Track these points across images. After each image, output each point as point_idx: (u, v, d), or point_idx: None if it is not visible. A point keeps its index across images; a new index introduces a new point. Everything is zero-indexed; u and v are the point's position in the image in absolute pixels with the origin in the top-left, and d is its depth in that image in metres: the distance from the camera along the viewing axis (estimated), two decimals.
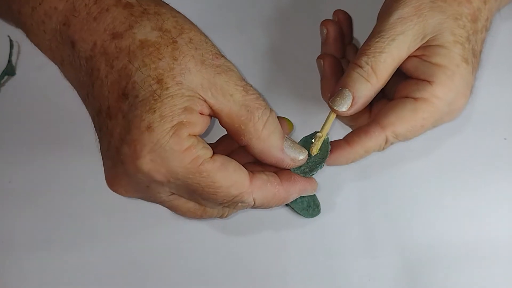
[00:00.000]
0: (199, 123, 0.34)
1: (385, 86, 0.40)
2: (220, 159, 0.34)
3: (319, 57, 0.44)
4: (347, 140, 0.40)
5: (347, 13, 0.45)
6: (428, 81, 0.38)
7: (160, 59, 0.33)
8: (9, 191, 0.45)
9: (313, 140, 0.39)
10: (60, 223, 0.44)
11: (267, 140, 0.36)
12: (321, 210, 0.43)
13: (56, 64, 0.38)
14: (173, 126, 0.33)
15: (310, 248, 0.43)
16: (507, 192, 0.44)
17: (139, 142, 0.33)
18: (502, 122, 0.45)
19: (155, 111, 0.33)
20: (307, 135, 0.40)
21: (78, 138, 0.46)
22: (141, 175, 0.34)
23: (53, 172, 0.45)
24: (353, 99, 0.38)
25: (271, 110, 0.36)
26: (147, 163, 0.33)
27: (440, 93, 0.38)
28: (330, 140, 0.40)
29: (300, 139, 0.40)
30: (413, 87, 0.39)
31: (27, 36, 0.38)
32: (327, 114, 0.40)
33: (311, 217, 0.42)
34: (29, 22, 0.37)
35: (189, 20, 0.36)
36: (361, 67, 0.38)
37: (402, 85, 0.40)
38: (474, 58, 0.39)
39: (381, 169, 0.45)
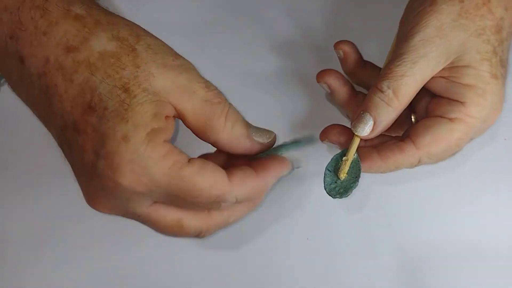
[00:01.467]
0: (169, 128, 0.34)
1: (416, 104, 0.40)
2: (197, 162, 0.34)
3: (319, 80, 0.43)
4: (380, 153, 0.39)
5: (350, 43, 0.44)
6: (460, 102, 0.38)
7: (123, 69, 0.33)
8: (9, 191, 0.45)
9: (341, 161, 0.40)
10: (60, 223, 0.44)
11: (232, 130, 0.36)
12: (321, 210, 0.43)
13: (3, 77, 0.37)
14: (147, 134, 0.32)
15: (310, 248, 0.43)
16: (507, 193, 0.44)
17: (116, 154, 0.32)
18: (502, 122, 0.45)
19: (127, 120, 0.32)
20: (337, 153, 0.40)
21: None
22: (121, 188, 0.33)
23: (53, 172, 0.45)
24: (374, 123, 0.38)
25: (229, 103, 0.36)
26: (127, 174, 0.32)
27: (474, 112, 0.37)
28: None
29: (331, 157, 0.40)
30: (446, 107, 0.38)
31: None
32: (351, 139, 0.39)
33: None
34: None
35: (142, 27, 0.36)
36: (382, 91, 0.38)
37: (435, 103, 0.39)
38: (503, 68, 0.38)
39: None
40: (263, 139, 0.37)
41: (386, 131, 0.39)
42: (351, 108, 0.42)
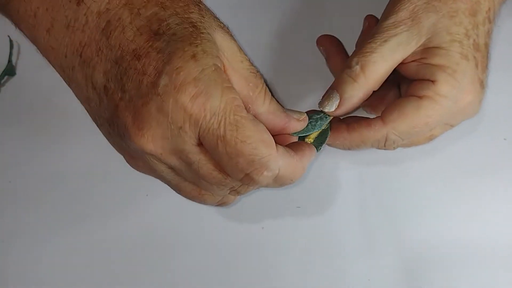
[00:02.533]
0: (227, 77, 0.34)
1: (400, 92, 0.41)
2: (251, 116, 0.34)
3: (318, 43, 0.45)
4: (348, 125, 0.40)
5: (333, 37, 0.46)
6: (431, 81, 0.38)
7: (191, 12, 0.34)
8: (9, 191, 0.45)
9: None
10: (60, 223, 0.44)
11: (271, 104, 0.37)
12: (321, 210, 0.43)
13: (35, 36, 0.36)
14: (214, 64, 0.33)
15: (310, 248, 0.43)
16: (507, 193, 0.44)
17: (183, 69, 0.32)
18: (502, 122, 0.45)
19: (197, 45, 0.32)
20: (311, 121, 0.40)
21: (78, 138, 0.46)
22: (178, 107, 0.32)
23: (53, 171, 0.45)
24: (340, 100, 0.39)
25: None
26: (189, 91, 0.31)
27: (444, 91, 0.38)
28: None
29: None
30: (417, 86, 0.39)
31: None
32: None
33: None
34: None
35: None
36: (350, 67, 0.38)
37: (409, 86, 0.40)
38: (477, 52, 0.38)
39: (381, 169, 0.45)
40: (297, 115, 0.38)
41: None
42: (337, 60, 0.44)
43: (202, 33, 0.33)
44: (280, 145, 0.36)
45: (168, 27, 0.33)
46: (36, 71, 0.48)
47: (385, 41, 0.38)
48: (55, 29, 0.35)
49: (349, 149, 0.41)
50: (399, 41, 0.38)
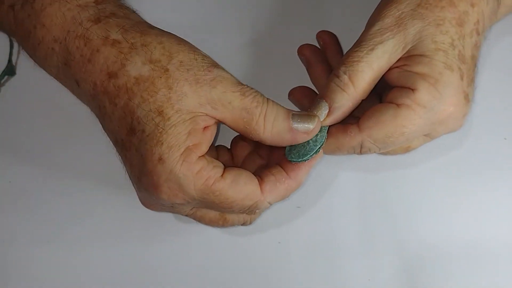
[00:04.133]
0: (205, 141, 0.36)
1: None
2: (230, 175, 0.36)
3: (299, 52, 0.45)
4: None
5: (331, 34, 0.45)
6: (411, 89, 0.37)
7: (157, 92, 0.35)
8: (9, 191, 0.45)
9: None
10: (60, 223, 0.44)
11: (273, 129, 0.37)
12: (321, 210, 0.43)
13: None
14: (181, 154, 0.35)
15: (310, 248, 0.43)
16: (507, 192, 0.44)
17: (155, 174, 0.35)
18: (502, 122, 0.45)
19: (162, 143, 0.35)
20: None
21: (78, 138, 0.46)
22: (162, 200, 0.36)
23: (53, 172, 0.45)
24: (329, 109, 0.38)
25: (267, 100, 0.37)
26: (166, 191, 0.36)
27: (423, 101, 0.37)
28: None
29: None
30: (396, 93, 0.38)
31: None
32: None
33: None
34: (33, 56, 0.40)
35: (176, 40, 0.37)
36: (338, 77, 0.38)
37: (389, 92, 0.39)
38: (463, 64, 0.37)
39: (381, 169, 0.45)
40: (306, 127, 0.37)
41: None
42: (317, 69, 0.43)
43: (168, 118, 0.35)
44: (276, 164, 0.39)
45: (138, 122, 0.35)
46: (36, 71, 0.48)
47: (372, 49, 0.37)
48: (77, 95, 0.40)
49: (325, 153, 0.41)
50: (385, 49, 0.37)
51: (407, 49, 0.37)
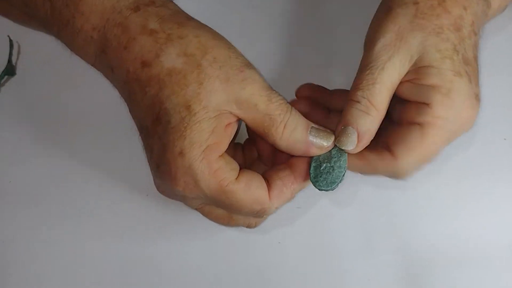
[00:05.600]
0: (226, 139, 0.37)
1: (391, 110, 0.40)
2: (244, 179, 0.37)
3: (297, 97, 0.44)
4: (361, 152, 0.39)
5: (312, 86, 0.44)
6: (426, 104, 0.37)
7: (187, 86, 0.36)
8: (9, 191, 0.45)
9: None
10: (60, 223, 0.44)
11: (290, 138, 0.37)
12: (321, 210, 0.43)
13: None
14: (202, 151, 0.36)
15: (310, 248, 0.43)
16: (507, 192, 0.44)
17: (173, 165, 0.36)
18: (502, 122, 0.45)
19: (185, 138, 0.35)
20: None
21: (78, 138, 0.46)
22: (176, 190, 0.37)
23: (53, 171, 0.45)
24: (359, 135, 0.38)
25: (291, 110, 0.37)
26: (181, 184, 0.36)
27: (441, 113, 0.37)
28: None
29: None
30: (414, 111, 0.38)
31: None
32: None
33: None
34: (70, 46, 0.40)
35: (212, 34, 0.38)
36: (358, 102, 0.38)
37: (404, 109, 0.39)
38: (468, 66, 0.38)
39: None
40: (321, 143, 0.38)
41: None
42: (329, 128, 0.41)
43: (195, 114, 0.35)
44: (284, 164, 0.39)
45: (165, 112, 0.36)
46: (36, 71, 0.48)
47: (382, 68, 0.37)
48: (111, 81, 0.40)
49: (358, 172, 0.40)
50: (394, 65, 0.37)
51: (413, 61, 0.38)
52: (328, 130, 0.39)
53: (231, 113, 0.36)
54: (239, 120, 0.38)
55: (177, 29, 0.37)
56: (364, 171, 0.40)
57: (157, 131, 0.37)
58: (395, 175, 0.39)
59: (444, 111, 0.37)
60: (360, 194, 0.44)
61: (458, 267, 0.42)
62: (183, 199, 0.39)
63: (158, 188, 0.40)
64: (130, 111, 0.39)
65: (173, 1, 0.40)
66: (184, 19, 0.38)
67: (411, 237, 0.43)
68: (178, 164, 0.36)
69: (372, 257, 0.43)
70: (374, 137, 0.40)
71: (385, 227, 0.43)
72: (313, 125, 0.38)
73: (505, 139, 0.45)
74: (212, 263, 0.43)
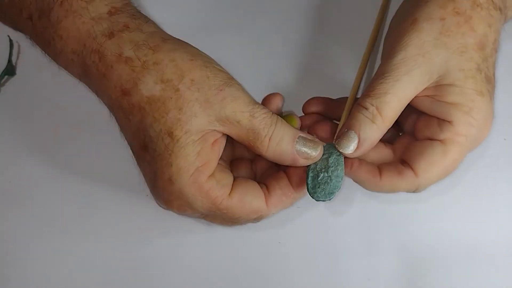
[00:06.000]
0: (214, 157, 0.37)
1: (403, 121, 0.40)
2: (237, 194, 0.38)
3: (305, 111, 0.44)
4: (380, 171, 0.40)
5: (318, 100, 0.44)
6: (448, 121, 0.37)
7: (167, 113, 0.36)
8: (9, 191, 0.45)
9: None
10: (60, 223, 0.44)
11: (276, 150, 0.38)
12: (321, 210, 0.43)
13: None
14: (191, 176, 0.36)
15: (310, 248, 0.43)
16: (507, 192, 0.44)
17: (165, 191, 0.37)
18: (502, 122, 0.45)
19: (171, 165, 0.36)
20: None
21: (78, 138, 0.46)
22: (173, 211, 0.39)
23: (53, 172, 0.45)
24: (359, 141, 0.38)
25: (276, 122, 0.37)
26: (176, 206, 0.38)
27: (463, 131, 0.37)
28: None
29: None
30: (435, 128, 0.38)
31: None
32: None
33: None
34: (57, 63, 0.40)
35: (189, 54, 0.37)
36: (366, 108, 0.37)
37: (422, 123, 0.39)
38: (489, 84, 0.38)
39: None
40: (308, 153, 0.38)
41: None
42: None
43: (178, 140, 0.36)
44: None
45: (150, 140, 0.36)
46: (36, 71, 0.48)
47: (397, 80, 0.37)
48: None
49: (377, 192, 0.41)
50: (411, 79, 0.37)
51: (433, 79, 0.37)
52: (317, 140, 0.38)
53: (215, 130, 0.37)
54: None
55: (152, 55, 0.37)
56: (385, 191, 0.40)
57: (146, 158, 0.37)
58: (414, 191, 0.40)
59: (466, 129, 0.37)
60: (360, 194, 0.44)
61: (458, 267, 0.42)
62: (183, 214, 0.40)
63: (158, 204, 0.40)
64: (121, 132, 0.39)
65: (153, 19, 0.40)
66: (160, 41, 0.38)
67: (411, 237, 0.43)
68: (169, 190, 0.37)
69: (372, 257, 0.43)
70: (388, 150, 0.40)
71: (385, 227, 0.43)
72: (301, 134, 0.38)
73: (505, 139, 0.45)
74: (212, 263, 0.43)
